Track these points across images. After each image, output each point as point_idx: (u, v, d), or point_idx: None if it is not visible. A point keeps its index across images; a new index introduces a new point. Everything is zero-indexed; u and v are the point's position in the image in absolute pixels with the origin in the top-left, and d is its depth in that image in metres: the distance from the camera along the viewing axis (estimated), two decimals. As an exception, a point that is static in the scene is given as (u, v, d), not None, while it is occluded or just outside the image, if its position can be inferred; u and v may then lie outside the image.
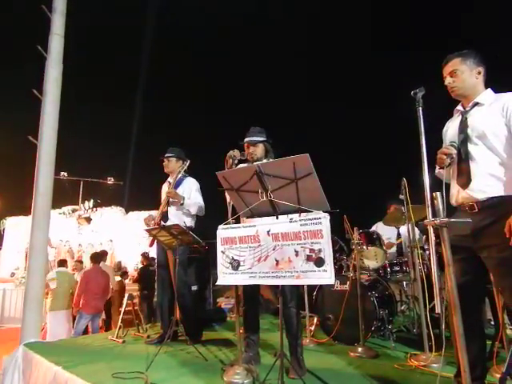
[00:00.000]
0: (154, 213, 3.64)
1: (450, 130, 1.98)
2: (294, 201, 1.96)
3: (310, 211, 1.88)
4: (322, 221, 1.80)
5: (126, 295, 4.15)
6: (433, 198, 1.47)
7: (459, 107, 1.98)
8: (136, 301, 6.90)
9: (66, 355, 2.89)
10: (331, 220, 1.81)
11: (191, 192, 3.47)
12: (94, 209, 13.05)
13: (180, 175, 3.53)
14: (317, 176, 1.88)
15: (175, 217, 3.47)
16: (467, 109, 1.90)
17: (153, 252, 8.21)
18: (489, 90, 1.90)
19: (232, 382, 2.20)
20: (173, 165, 3.57)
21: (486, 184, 1.75)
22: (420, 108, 1.62)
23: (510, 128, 1.73)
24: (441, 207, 1.46)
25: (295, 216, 1.92)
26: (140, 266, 8.41)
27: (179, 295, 3.25)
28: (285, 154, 2.11)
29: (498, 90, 1.90)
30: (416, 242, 3.09)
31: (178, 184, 3.49)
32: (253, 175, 2.01)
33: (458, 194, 1.87)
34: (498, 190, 1.72)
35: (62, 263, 6.27)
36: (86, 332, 5.57)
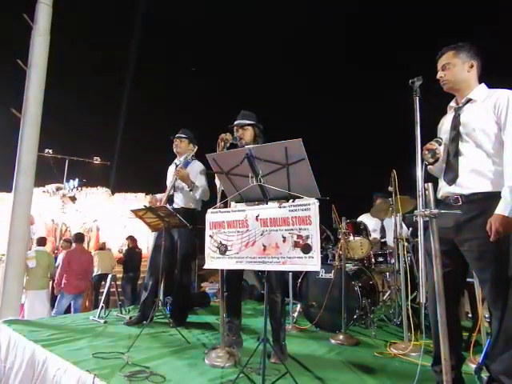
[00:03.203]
0: (159, 195, 3.58)
1: (444, 126, 1.98)
2: (285, 186, 1.94)
3: (300, 197, 1.86)
4: (311, 207, 1.78)
5: (110, 276, 4.10)
6: (424, 189, 1.46)
7: (452, 103, 1.98)
8: (119, 282, 6.88)
9: (45, 334, 2.85)
10: (319, 209, 1.80)
11: (196, 176, 3.42)
12: (80, 188, 12.79)
13: (188, 158, 3.47)
14: (308, 162, 1.86)
15: (181, 200, 3.44)
16: (460, 105, 1.90)
17: (139, 235, 8.16)
18: (482, 85, 1.89)
19: (214, 365, 2.21)
20: (184, 146, 3.54)
21: (472, 181, 1.76)
22: (417, 98, 1.59)
23: (500, 126, 1.73)
24: (431, 198, 1.45)
25: (285, 201, 1.90)
26: (125, 247, 8.34)
27: (179, 279, 3.29)
28: (274, 139, 2.08)
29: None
30: (401, 234, 3.13)
31: (185, 166, 3.43)
32: (244, 159, 1.97)
33: (444, 188, 1.89)
34: (483, 187, 1.73)
35: (41, 242, 6.13)
36: (67, 312, 5.51)
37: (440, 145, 1.87)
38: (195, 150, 3.45)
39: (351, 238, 3.60)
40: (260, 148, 2.05)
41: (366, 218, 4.17)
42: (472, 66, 1.87)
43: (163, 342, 2.75)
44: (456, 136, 1.84)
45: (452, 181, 1.82)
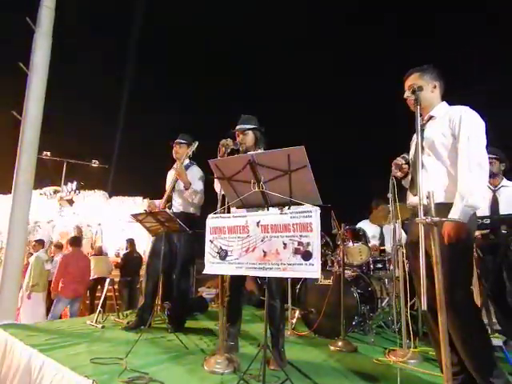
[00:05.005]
0: (157, 201, 3.58)
1: (415, 142, 2.08)
2: (286, 193, 1.95)
3: (301, 204, 1.87)
4: (313, 214, 1.79)
5: (108, 280, 4.08)
6: (427, 197, 1.48)
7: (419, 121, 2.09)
8: (116, 287, 6.86)
9: (42, 338, 2.83)
10: (320, 214, 1.81)
11: (194, 180, 3.41)
12: (77, 191, 12.76)
13: (187, 161, 3.47)
14: (311, 169, 1.87)
15: (180, 204, 3.44)
16: (424, 122, 2.04)
17: (138, 238, 8.13)
18: (443, 103, 2.05)
19: (213, 371, 2.20)
20: (183, 151, 3.52)
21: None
22: (418, 106, 1.63)
23: (455, 138, 1.87)
24: (432, 206, 1.47)
25: (286, 208, 1.91)
26: (122, 251, 8.31)
27: (178, 284, 3.30)
28: (274, 144, 2.10)
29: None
30: (401, 241, 3.13)
31: (185, 168, 3.43)
32: (246, 165, 1.98)
33: (410, 199, 2.08)
34: (442, 198, 1.87)
35: (43, 244, 6.13)
36: (60, 317, 5.49)
37: (406, 161, 2.08)
38: (195, 146, 3.42)
39: (350, 244, 3.61)
40: (262, 154, 2.07)
41: (365, 225, 4.18)
42: (435, 87, 2.04)
43: (162, 347, 2.74)
44: (420, 150, 1.94)
45: (416, 192, 1.91)
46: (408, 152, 2.19)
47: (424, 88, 1.98)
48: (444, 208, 1.79)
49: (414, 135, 2.12)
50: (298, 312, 3.53)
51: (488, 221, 2.78)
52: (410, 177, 2.11)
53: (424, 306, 1.36)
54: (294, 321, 3.51)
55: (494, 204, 3.05)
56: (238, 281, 2.61)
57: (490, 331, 2.87)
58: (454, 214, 1.73)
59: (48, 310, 5.63)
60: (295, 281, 3.55)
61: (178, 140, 3.57)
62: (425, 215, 1.62)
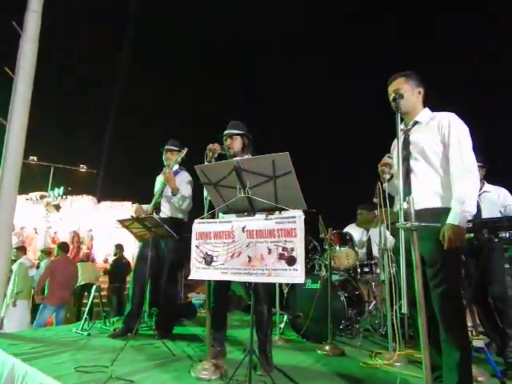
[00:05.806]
0: (145, 206, 3.55)
1: (396, 147, 2.10)
2: (272, 198, 1.97)
3: (286, 209, 1.89)
4: (297, 220, 1.81)
5: (94, 287, 4.03)
6: (407, 202, 1.51)
7: (402, 126, 2.13)
8: (104, 293, 6.78)
9: (25, 347, 2.77)
10: (306, 220, 1.83)
11: (183, 186, 3.39)
12: (64, 196, 12.59)
13: (176, 167, 3.47)
14: (295, 175, 1.89)
15: (168, 209, 3.42)
16: (409, 127, 2.07)
17: (126, 244, 8.05)
18: (426, 109, 2.10)
19: (200, 378, 2.19)
20: (174, 158, 3.50)
21: (423, 197, 1.90)
22: (399, 114, 1.67)
23: (445, 145, 1.91)
24: (412, 211, 1.50)
25: (277, 213, 1.93)
26: (111, 257, 8.20)
27: (165, 290, 3.28)
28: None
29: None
30: (386, 244, 3.18)
31: (174, 174, 3.42)
32: (232, 171, 1.99)
33: (398, 204, 2.02)
34: (433, 203, 1.89)
35: (25, 250, 6.03)
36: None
37: (391, 159, 2.06)
38: (184, 152, 3.41)
39: (337, 248, 3.64)
40: (248, 160, 2.08)
41: (352, 229, 4.23)
42: (420, 93, 2.09)
43: (148, 354, 2.71)
44: (407, 155, 2.00)
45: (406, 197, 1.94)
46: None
47: (409, 93, 2.02)
48: (437, 212, 1.81)
49: (394, 141, 2.16)
50: (286, 317, 3.54)
51: (471, 225, 2.84)
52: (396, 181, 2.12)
53: (405, 309, 1.39)
54: (282, 325, 3.51)
55: (477, 209, 3.12)
56: (222, 286, 2.60)
57: (473, 333, 2.93)
58: (454, 219, 1.75)
59: (32, 318, 5.53)
60: (283, 285, 3.57)
61: (168, 147, 3.55)
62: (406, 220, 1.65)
